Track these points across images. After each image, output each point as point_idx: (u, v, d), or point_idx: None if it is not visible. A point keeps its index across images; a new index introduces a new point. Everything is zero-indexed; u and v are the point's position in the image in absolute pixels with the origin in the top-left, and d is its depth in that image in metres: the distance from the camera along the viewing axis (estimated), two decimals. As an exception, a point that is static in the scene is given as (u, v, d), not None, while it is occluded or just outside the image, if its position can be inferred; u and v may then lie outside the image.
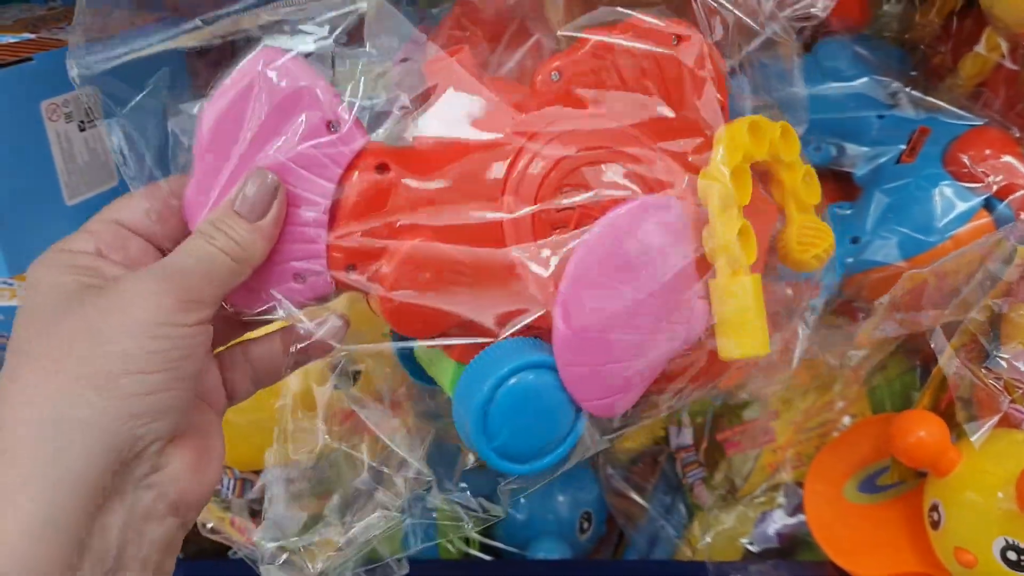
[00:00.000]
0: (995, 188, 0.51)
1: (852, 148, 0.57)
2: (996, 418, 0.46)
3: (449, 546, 0.67)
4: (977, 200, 0.51)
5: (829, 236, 0.42)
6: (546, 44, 0.60)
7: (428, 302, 0.36)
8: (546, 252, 0.36)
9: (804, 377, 0.60)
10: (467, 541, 0.68)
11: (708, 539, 0.62)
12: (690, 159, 0.39)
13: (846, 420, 0.61)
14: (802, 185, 0.41)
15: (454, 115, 0.37)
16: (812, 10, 0.42)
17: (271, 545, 0.55)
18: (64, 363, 0.31)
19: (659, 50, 0.38)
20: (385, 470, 0.58)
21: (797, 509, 0.61)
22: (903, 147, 0.55)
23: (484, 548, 0.68)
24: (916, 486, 0.55)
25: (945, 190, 0.52)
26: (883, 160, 0.56)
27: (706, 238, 0.37)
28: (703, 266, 0.38)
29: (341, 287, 0.38)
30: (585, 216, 0.37)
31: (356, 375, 0.52)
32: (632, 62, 0.38)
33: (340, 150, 0.36)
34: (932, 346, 0.47)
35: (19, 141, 0.52)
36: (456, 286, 0.36)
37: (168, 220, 0.37)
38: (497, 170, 0.37)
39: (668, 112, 0.39)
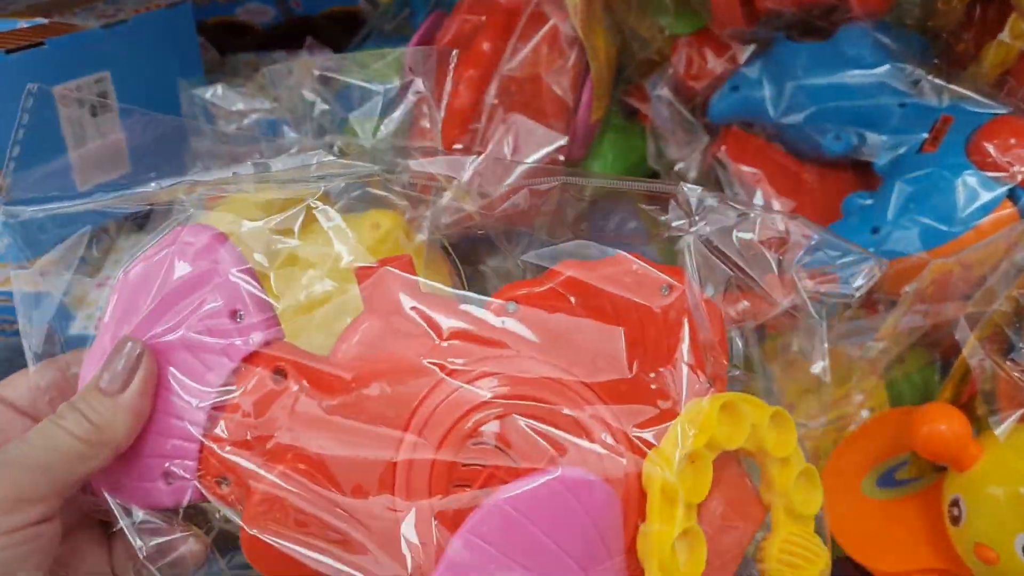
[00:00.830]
0: (1020, 178, 0.50)
1: (873, 137, 0.56)
2: (1021, 411, 0.46)
3: None
4: (1001, 190, 0.50)
5: (822, 558, 0.34)
6: (562, 30, 0.59)
7: (288, 549, 0.31)
8: (430, 516, 0.30)
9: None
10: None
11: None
12: (634, 434, 0.32)
13: (864, 414, 0.60)
14: (796, 487, 0.34)
15: (375, 336, 0.32)
16: (843, 290, 0.38)
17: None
18: None
19: (641, 300, 0.33)
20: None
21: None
22: (925, 136, 0.54)
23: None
24: (935, 481, 0.54)
25: (968, 179, 0.51)
26: (904, 149, 0.55)
27: (640, 537, 0.31)
28: (633, 563, 0.31)
29: (208, 498, 0.32)
30: (494, 478, 0.30)
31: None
32: (606, 307, 0.33)
33: (234, 342, 0.32)
34: (956, 337, 0.46)
35: (31, 126, 0.52)
36: (323, 538, 0.31)
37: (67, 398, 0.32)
38: (404, 405, 0.31)
39: (627, 373, 0.32)
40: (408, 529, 0.30)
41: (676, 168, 0.60)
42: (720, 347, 0.35)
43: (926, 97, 0.56)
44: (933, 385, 0.62)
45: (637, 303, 0.33)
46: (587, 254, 0.35)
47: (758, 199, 0.57)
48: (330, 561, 0.31)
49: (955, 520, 0.49)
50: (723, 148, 0.60)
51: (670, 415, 0.32)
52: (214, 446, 0.32)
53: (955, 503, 0.49)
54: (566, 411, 0.31)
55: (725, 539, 0.33)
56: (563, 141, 0.57)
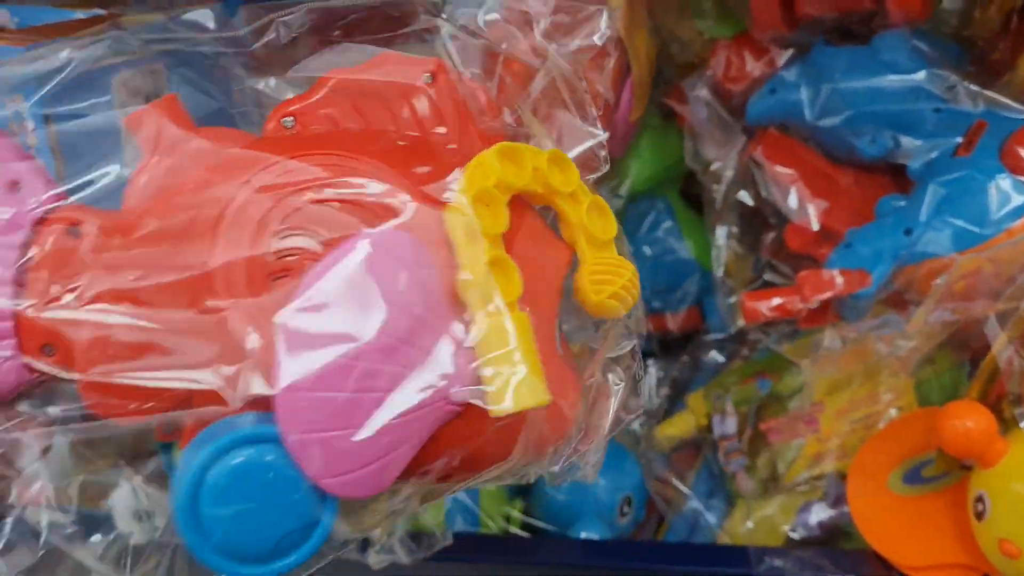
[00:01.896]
0: (1053, 182, 0.51)
1: (907, 141, 0.57)
2: (1050, 408, 0.46)
3: (490, 523, 0.68)
4: (1033, 194, 0.51)
5: (626, 271, 0.37)
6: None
7: (131, 379, 0.31)
8: (253, 304, 0.31)
9: (851, 362, 0.60)
10: (508, 519, 0.69)
11: (750, 524, 0.62)
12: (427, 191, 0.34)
13: (892, 412, 0.61)
14: (589, 217, 0.36)
15: (162, 173, 0.33)
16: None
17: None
18: None
19: (407, 82, 0.35)
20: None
21: (840, 499, 0.61)
22: (959, 140, 0.55)
23: (525, 527, 0.69)
24: (961, 478, 0.55)
25: (1002, 183, 0.52)
26: (938, 153, 0.56)
27: (459, 284, 0.32)
28: (458, 308, 0.32)
29: (35, 376, 0.32)
30: (308, 261, 0.31)
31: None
32: (379, 102, 0.35)
33: (21, 210, 0.33)
34: (986, 333, 0.47)
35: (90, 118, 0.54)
36: (161, 355, 0.31)
37: None
38: (205, 218, 0.32)
39: (408, 142, 0.35)
40: (239, 327, 0.31)
41: (712, 167, 0.61)
42: (490, 112, 0.37)
43: (961, 103, 0.56)
44: (962, 386, 0.62)
45: (406, 89, 0.35)
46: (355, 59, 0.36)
47: (792, 200, 0.58)
48: (174, 382, 0.31)
49: (979, 516, 0.50)
50: (759, 149, 0.61)
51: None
52: (28, 312, 0.32)
53: (980, 499, 0.50)
54: (362, 186, 0.33)
55: (537, 272, 0.34)
56: (604, 136, 0.58)
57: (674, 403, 0.77)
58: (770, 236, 0.59)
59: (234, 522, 0.30)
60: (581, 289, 0.35)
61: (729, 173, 0.60)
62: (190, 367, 0.31)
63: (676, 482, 0.69)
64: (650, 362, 0.79)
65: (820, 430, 0.62)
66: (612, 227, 0.37)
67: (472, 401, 0.31)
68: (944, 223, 0.52)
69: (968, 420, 0.49)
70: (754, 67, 0.62)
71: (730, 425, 0.68)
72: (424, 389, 0.31)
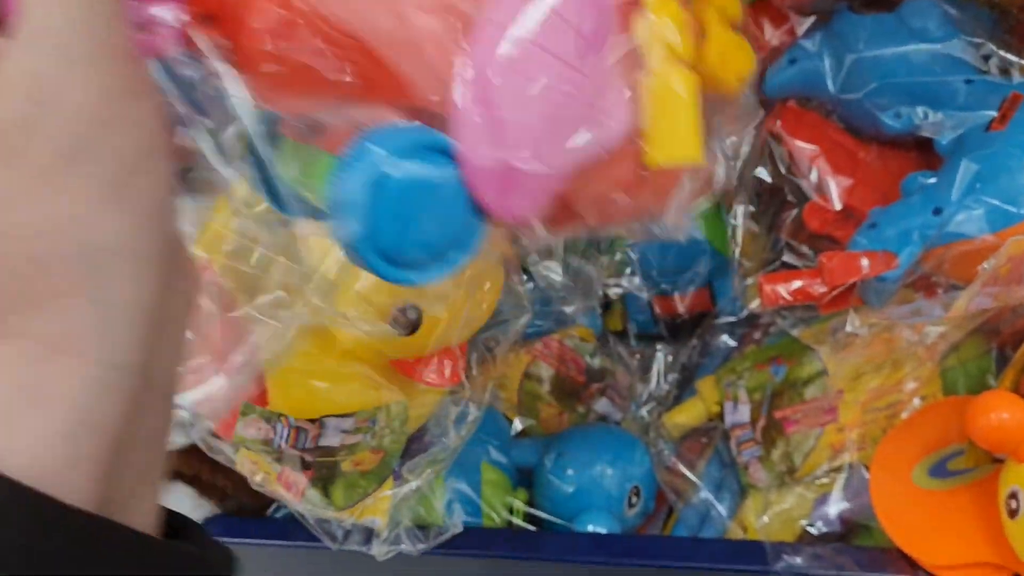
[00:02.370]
0: (1096, 158, 0.48)
1: (936, 114, 0.54)
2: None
3: (493, 515, 0.65)
4: (1074, 171, 0.48)
5: (750, 53, 0.37)
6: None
7: (307, 59, 0.30)
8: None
9: (875, 349, 0.57)
10: (511, 510, 0.66)
11: (766, 519, 0.59)
12: None
13: (916, 402, 0.58)
14: None
15: None
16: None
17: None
18: None
19: None
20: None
21: (860, 492, 0.59)
22: (992, 114, 0.52)
23: (529, 519, 0.66)
24: (991, 472, 0.52)
25: (1041, 160, 0.49)
26: (970, 128, 0.53)
27: (640, 27, 0.31)
28: (633, 60, 0.31)
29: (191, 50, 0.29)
30: None
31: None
32: None
33: None
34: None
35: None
36: (335, 45, 0.30)
37: None
38: None
39: None
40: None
41: (728, 141, 0.58)
42: None
43: (994, 74, 0.53)
44: (989, 374, 0.60)
45: None
46: None
47: (813, 177, 0.55)
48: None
49: (1012, 513, 0.47)
50: (778, 123, 0.57)
51: None
52: None
53: (1013, 495, 0.48)
54: None
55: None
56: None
57: (683, 389, 0.74)
58: (789, 215, 0.56)
59: (401, 227, 0.29)
60: (708, 62, 0.34)
61: (746, 148, 0.57)
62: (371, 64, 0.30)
63: (686, 471, 0.66)
64: (658, 347, 0.77)
65: (839, 419, 0.59)
66: (739, 7, 0.36)
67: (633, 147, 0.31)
68: (977, 202, 0.49)
69: (1003, 411, 0.47)
70: (773, 35, 0.59)
71: (743, 413, 0.65)
72: (593, 130, 0.31)
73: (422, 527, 0.56)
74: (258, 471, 0.53)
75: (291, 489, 0.53)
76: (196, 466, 0.60)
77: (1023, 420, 0.46)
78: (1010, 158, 0.49)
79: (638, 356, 0.76)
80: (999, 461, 0.51)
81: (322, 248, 0.50)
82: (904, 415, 0.57)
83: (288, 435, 0.52)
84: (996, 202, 0.49)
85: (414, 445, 0.57)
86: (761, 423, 0.63)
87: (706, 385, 0.69)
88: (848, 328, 0.54)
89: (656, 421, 0.71)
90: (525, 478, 0.69)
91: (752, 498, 0.63)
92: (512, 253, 0.56)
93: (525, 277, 0.71)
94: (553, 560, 0.56)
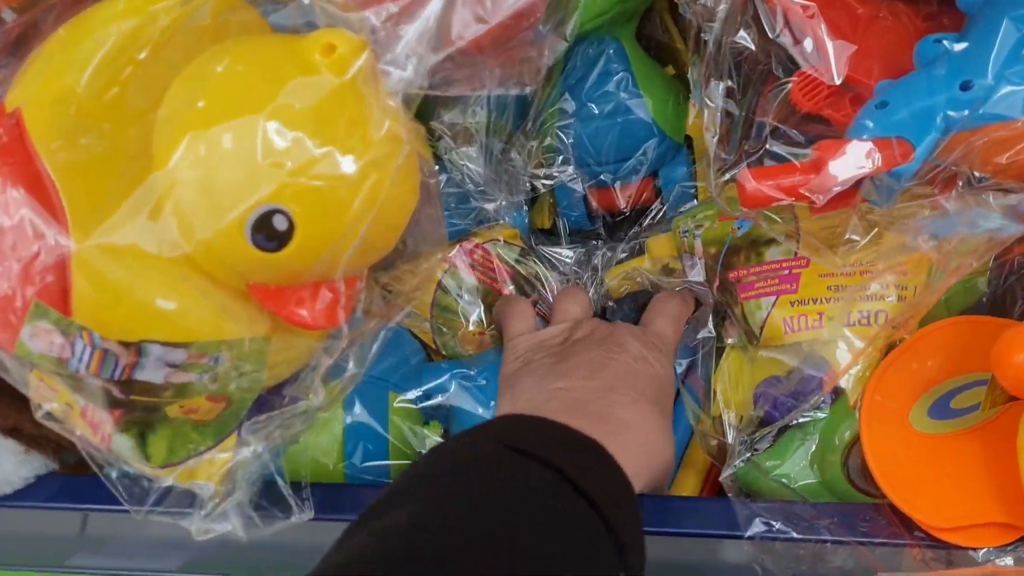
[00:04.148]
0: None
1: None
2: None
3: (404, 449, 0.57)
4: None
5: None
6: None
7: None
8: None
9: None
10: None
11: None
12: None
13: (891, 299, 0.48)
14: None
15: None
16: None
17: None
18: None
19: None
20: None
21: (806, 388, 0.50)
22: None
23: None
24: (1003, 412, 0.44)
25: (1105, 18, 0.38)
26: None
27: None
28: None
29: None
30: None
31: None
32: None
33: None
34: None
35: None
36: None
37: None
38: None
39: None
40: None
41: (701, 1, 0.46)
42: None
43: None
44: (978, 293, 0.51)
45: None
46: None
47: (808, 45, 0.43)
48: None
49: (1040, 468, 0.39)
50: None
51: None
52: None
53: (1043, 446, 0.39)
54: None
55: None
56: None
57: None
58: (778, 93, 0.44)
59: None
60: None
61: (724, 6, 0.44)
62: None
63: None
64: (596, 244, 0.66)
65: (799, 291, 0.51)
66: None
67: None
68: (1021, 76, 0.38)
69: (1040, 348, 0.37)
70: None
71: (698, 269, 0.57)
72: None
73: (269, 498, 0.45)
74: (56, 400, 0.41)
75: (96, 431, 0.41)
76: (13, 416, 0.47)
77: (1065, 358, 0.37)
78: (1065, 17, 0.38)
79: (571, 258, 0.66)
80: (1016, 399, 0.42)
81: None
82: (881, 317, 0.48)
83: (90, 357, 0.39)
84: (1049, 76, 0.38)
85: (267, 401, 0.45)
86: (716, 282, 0.55)
87: (657, 242, 0.61)
88: (849, 235, 0.44)
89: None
90: (441, 409, 0.60)
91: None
92: (429, 156, 0.44)
93: (437, 167, 0.60)
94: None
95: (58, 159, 0.40)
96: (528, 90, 0.45)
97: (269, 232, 0.38)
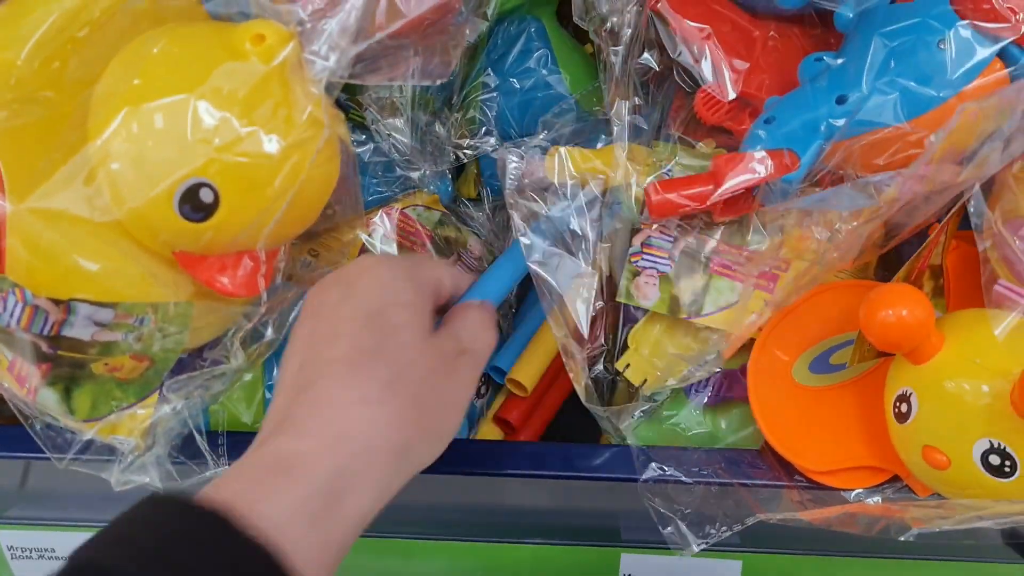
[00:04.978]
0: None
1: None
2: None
3: None
4: (995, 47, 0.43)
5: None
6: None
7: None
8: None
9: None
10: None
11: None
12: None
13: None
14: None
15: None
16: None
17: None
18: None
19: None
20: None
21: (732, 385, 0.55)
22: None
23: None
24: (875, 367, 0.49)
25: (961, 32, 0.43)
26: (875, -1, 0.46)
27: None
28: None
29: None
30: None
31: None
32: None
33: None
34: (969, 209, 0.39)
35: None
36: None
37: None
38: None
39: None
40: None
41: (607, 25, 0.49)
42: None
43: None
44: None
45: None
46: None
47: (705, 62, 0.47)
48: None
49: (902, 417, 0.45)
50: (663, 0, 0.49)
51: None
52: None
53: (904, 398, 0.44)
54: None
55: None
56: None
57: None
58: (682, 107, 0.48)
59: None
60: None
61: (628, 31, 0.48)
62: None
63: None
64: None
65: (776, 296, 0.52)
66: None
67: None
68: (891, 85, 0.44)
69: (903, 307, 0.42)
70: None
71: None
72: None
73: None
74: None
75: (23, 384, 0.43)
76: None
77: (924, 319, 0.42)
78: (928, 33, 0.44)
79: (493, 227, 0.69)
80: (886, 355, 0.47)
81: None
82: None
83: (21, 312, 0.42)
84: (913, 85, 0.43)
85: (188, 362, 0.48)
86: (681, 245, 0.52)
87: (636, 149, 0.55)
88: (751, 237, 0.48)
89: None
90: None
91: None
92: (348, 138, 0.47)
93: (364, 137, 0.62)
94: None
95: (-3, 127, 0.41)
96: (439, 82, 0.48)
97: (195, 204, 0.40)
